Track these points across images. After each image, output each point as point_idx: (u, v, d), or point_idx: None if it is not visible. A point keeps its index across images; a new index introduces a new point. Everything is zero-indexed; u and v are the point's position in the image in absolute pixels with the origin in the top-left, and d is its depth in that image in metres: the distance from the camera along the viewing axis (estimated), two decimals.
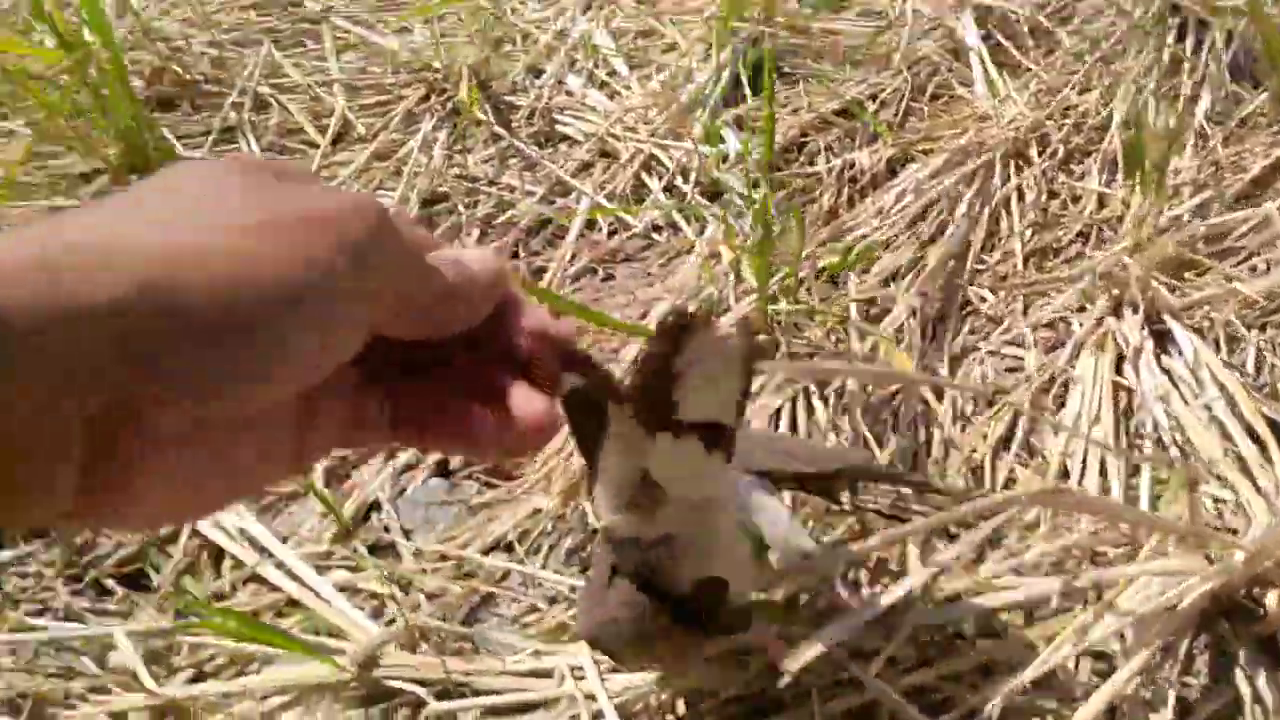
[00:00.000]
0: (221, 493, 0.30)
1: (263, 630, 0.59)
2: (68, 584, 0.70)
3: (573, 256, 0.90)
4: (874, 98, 1.06)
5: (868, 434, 0.71)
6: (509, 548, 0.69)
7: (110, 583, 0.70)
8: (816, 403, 0.72)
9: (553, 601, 0.65)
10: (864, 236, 0.88)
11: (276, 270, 0.26)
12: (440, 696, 0.58)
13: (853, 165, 0.98)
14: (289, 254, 0.27)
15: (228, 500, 0.31)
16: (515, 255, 0.92)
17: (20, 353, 0.22)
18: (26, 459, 0.23)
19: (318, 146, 1.04)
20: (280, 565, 0.67)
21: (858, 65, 1.11)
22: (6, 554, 0.71)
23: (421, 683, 0.58)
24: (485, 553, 0.68)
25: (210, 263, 0.26)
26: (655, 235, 0.93)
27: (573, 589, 0.64)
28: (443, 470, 0.75)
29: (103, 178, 0.98)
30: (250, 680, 0.60)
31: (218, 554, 0.71)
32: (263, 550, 0.69)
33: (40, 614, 0.68)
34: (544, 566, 0.67)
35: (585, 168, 1.00)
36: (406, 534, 0.71)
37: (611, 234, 0.93)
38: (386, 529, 0.71)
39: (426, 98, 1.08)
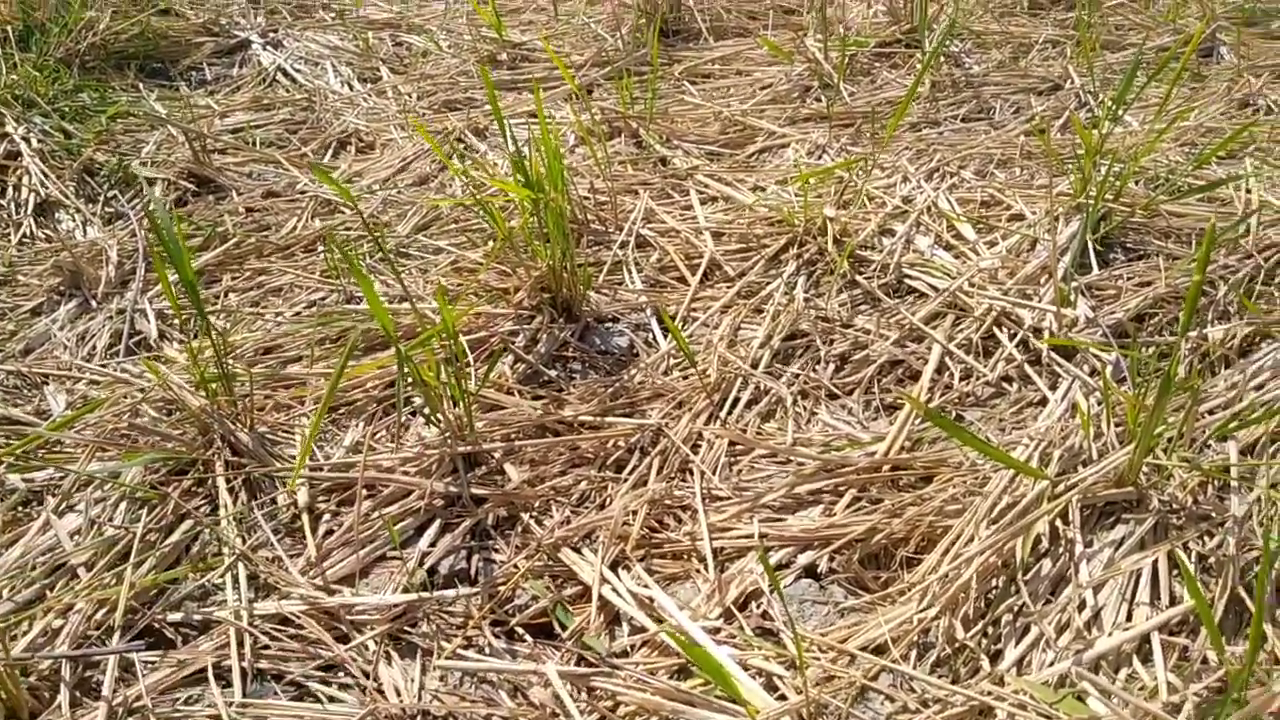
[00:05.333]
0: None
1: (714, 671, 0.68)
2: (492, 626, 0.82)
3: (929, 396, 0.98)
4: (1224, 279, 1.09)
5: None
6: (880, 650, 0.75)
7: (521, 631, 0.82)
8: None
9: (924, 704, 0.70)
10: (1224, 406, 0.91)
11: None
12: None
13: (1205, 339, 1.01)
14: None
15: None
16: (869, 390, 1.01)
17: None
18: None
19: (688, 284, 1.19)
20: (680, 633, 0.76)
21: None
22: (438, 594, 0.84)
23: None
24: (862, 650, 0.74)
25: None
26: (1006, 385, 0.99)
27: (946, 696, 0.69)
28: (810, 572, 0.83)
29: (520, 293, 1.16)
30: None
31: (615, 617, 0.81)
32: (660, 620, 0.79)
33: (465, 648, 0.80)
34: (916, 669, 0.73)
35: (934, 318, 1.08)
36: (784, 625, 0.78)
37: (964, 378, 1.01)
38: (765, 615, 0.79)
39: (786, 248, 1.22)
